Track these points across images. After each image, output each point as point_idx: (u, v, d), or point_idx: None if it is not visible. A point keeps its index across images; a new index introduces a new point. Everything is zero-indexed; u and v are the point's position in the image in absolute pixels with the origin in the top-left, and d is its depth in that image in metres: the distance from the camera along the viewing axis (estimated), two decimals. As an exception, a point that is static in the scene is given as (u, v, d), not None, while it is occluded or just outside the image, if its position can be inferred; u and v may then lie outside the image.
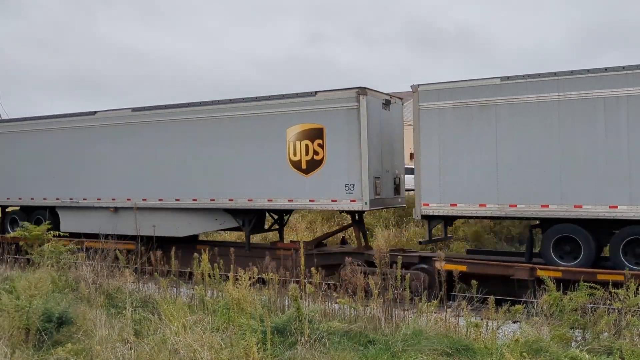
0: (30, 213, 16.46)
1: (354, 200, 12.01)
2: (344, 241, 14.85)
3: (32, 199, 16.38)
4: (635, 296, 6.98)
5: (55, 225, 15.37)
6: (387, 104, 13.03)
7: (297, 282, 8.30)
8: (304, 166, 12.52)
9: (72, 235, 15.32)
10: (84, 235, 14.88)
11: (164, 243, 13.28)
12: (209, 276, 8.73)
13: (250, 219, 13.72)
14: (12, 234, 15.53)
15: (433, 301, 7.54)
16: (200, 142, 13.86)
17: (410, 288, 7.78)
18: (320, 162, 12.38)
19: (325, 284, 8.51)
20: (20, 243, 13.64)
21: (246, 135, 13.23)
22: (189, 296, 8.76)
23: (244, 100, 13.42)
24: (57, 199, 15.87)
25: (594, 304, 7.35)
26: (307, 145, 12.53)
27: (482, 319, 7.02)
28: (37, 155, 16.40)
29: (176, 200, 14.13)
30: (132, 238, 14.28)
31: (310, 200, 12.54)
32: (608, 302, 7.24)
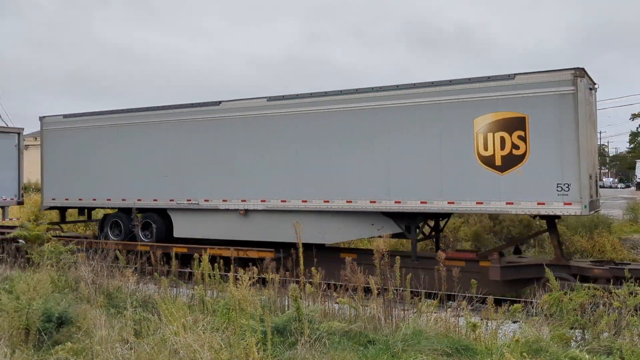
0: (129, 217, 14.63)
1: (569, 203, 10.24)
2: (517, 250, 13.10)
3: (139, 200, 14.62)
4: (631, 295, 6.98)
5: (167, 229, 14.22)
6: (592, 88, 11.34)
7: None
8: (498, 162, 10.77)
9: (186, 241, 14.21)
10: (200, 242, 13.77)
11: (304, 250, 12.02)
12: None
13: (418, 224, 12.03)
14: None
15: (433, 301, 7.55)
16: (356, 136, 12.03)
17: None
18: (521, 157, 10.62)
19: (325, 283, 8.50)
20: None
21: (419, 127, 11.47)
22: (188, 296, 8.77)
23: (414, 86, 11.59)
24: (171, 200, 14.15)
25: (594, 304, 7.35)
26: (502, 138, 10.77)
27: (482, 319, 7.03)
28: (145, 151, 14.71)
29: (325, 202, 12.31)
30: (263, 244, 12.94)
31: (507, 203, 10.72)
32: (608, 302, 7.24)
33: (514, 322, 7.75)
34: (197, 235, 13.95)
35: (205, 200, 13.69)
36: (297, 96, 12.77)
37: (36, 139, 27.69)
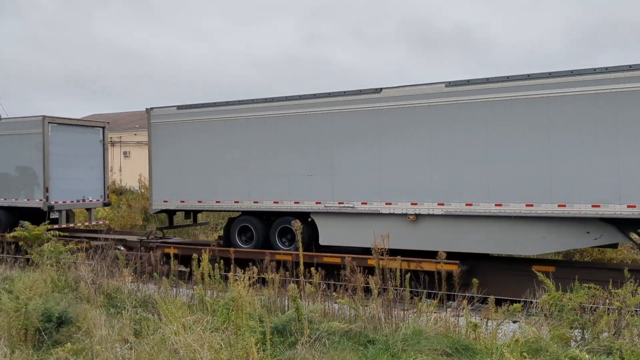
0: (270, 221, 13.10)
1: None
2: None
3: (275, 202, 12.75)
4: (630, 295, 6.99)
5: (310, 236, 12.42)
6: None
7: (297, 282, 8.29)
8: None
9: (333, 249, 12.36)
10: (351, 251, 12.00)
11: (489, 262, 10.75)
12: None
13: None
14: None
15: (433, 301, 7.55)
16: (585, 125, 9.80)
17: None
18: None
19: (325, 283, 8.51)
20: (20, 243, 13.63)
21: None
22: (188, 296, 8.77)
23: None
24: (317, 202, 12.30)
25: (593, 304, 7.35)
26: None
27: (481, 319, 7.03)
28: (284, 146, 12.79)
29: (527, 206, 10.26)
30: (431, 255, 10.68)
31: None
32: (608, 301, 7.24)
33: (514, 322, 7.75)
34: (349, 243, 12.17)
35: (362, 204, 11.85)
36: (487, 80, 10.78)
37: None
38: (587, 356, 5.64)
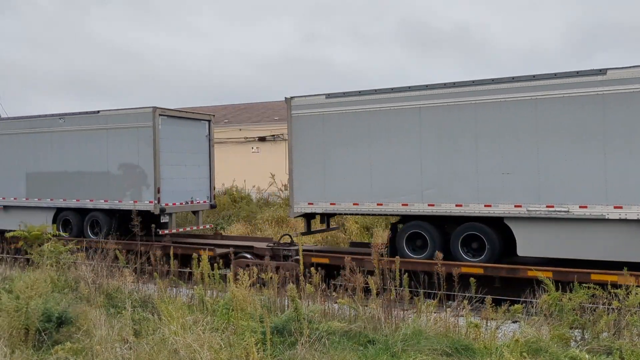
0: (449, 227, 11.24)
1: None
2: None
3: (457, 205, 10.80)
4: (629, 295, 6.98)
5: (503, 245, 10.65)
6: None
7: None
8: None
9: (530, 261, 10.47)
10: (558, 262, 10.02)
11: None
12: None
13: None
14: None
15: (432, 301, 7.55)
16: None
17: None
18: None
19: (325, 283, 8.50)
20: (20, 243, 13.61)
21: None
22: (188, 296, 8.77)
23: None
24: (517, 206, 10.30)
25: (593, 304, 7.34)
26: None
27: (481, 319, 7.03)
28: (464, 140, 10.84)
29: None
30: None
31: None
32: (607, 301, 7.23)
33: (514, 322, 7.75)
34: (559, 254, 10.16)
35: (581, 207, 9.82)
36: None
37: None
38: (587, 356, 5.64)
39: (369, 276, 7.69)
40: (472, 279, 7.90)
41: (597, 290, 7.37)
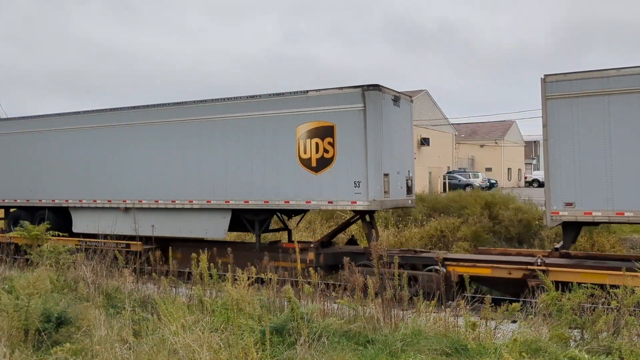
0: None
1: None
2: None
3: None
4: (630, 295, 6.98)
5: None
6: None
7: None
8: None
9: None
10: None
11: None
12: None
13: None
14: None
15: (432, 301, 7.54)
16: None
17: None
18: None
19: (324, 283, 8.50)
20: (20, 243, 13.61)
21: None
22: (187, 296, 8.76)
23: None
24: None
25: (593, 303, 7.34)
26: None
27: (480, 319, 7.03)
28: None
29: None
30: None
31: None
32: (606, 301, 7.23)
33: (513, 322, 7.75)
34: None
35: None
36: None
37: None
38: (586, 356, 5.64)
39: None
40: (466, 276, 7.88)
41: (596, 290, 7.37)
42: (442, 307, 7.71)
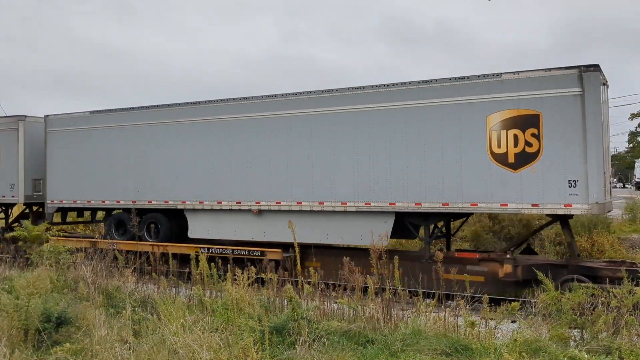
0: None
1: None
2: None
3: None
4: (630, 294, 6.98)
5: None
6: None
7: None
8: None
9: None
10: None
11: None
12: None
13: None
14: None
15: (431, 301, 7.54)
16: None
17: None
18: None
19: (324, 283, 8.49)
20: (20, 243, 13.60)
21: None
22: (187, 296, 8.76)
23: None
24: None
25: (592, 303, 7.34)
26: None
27: (480, 319, 7.03)
28: None
29: None
30: None
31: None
32: (606, 301, 7.23)
33: (513, 321, 7.74)
34: None
35: None
36: None
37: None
38: (586, 356, 5.64)
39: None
40: (465, 274, 7.88)
41: (596, 289, 7.37)
42: (442, 307, 7.71)
